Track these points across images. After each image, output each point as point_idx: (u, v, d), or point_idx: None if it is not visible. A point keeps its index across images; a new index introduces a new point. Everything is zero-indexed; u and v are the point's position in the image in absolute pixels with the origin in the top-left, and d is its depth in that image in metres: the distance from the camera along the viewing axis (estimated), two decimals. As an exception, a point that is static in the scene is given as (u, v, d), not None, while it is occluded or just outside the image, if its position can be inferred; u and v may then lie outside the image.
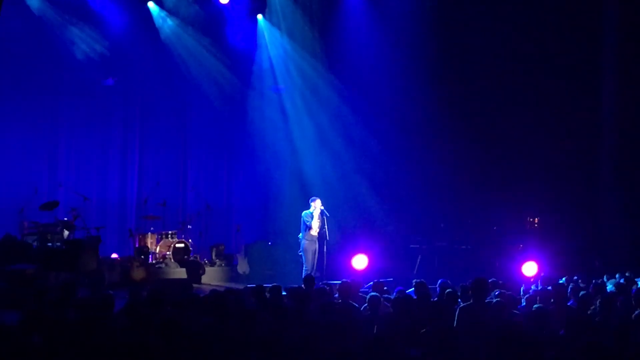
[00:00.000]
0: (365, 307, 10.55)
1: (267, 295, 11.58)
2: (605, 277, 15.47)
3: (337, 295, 12.07)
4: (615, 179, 21.82)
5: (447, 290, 10.95)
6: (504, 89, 21.96)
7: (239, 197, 23.98)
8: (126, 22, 22.08)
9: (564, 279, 14.63)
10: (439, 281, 12.39)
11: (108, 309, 9.71)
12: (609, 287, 13.42)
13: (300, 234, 17.85)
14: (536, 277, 15.54)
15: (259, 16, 23.38)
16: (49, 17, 21.14)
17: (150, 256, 19.58)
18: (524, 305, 11.39)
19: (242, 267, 20.97)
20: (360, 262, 17.97)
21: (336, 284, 14.74)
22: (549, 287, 12.15)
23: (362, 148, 22.64)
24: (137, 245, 19.80)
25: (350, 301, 11.15)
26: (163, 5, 22.46)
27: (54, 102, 21.79)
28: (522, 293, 13.11)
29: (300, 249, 17.82)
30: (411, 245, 21.17)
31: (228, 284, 17.27)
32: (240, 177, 23.93)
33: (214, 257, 20.85)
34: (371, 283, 13.66)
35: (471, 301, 10.10)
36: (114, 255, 19.63)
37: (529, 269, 16.19)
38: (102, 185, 22.42)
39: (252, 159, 23.31)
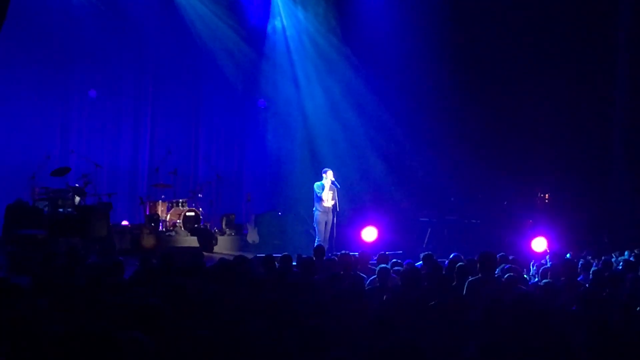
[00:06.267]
0: (374, 278, 10.57)
1: (277, 264, 11.63)
2: (613, 255, 15.44)
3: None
4: (626, 156, 21.75)
5: (459, 264, 10.94)
6: (516, 65, 21.81)
7: (250, 167, 24.06)
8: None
9: (569, 254, 14.60)
10: (452, 255, 12.41)
11: (118, 274, 9.76)
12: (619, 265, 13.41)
13: (314, 207, 17.80)
14: (546, 252, 15.54)
15: (274, -14, 23.33)
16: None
17: (160, 224, 19.64)
18: (535, 281, 11.40)
19: (252, 236, 21.01)
20: (369, 234, 18.04)
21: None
22: (558, 263, 12.14)
23: (374, 120, 22.58)
24: (147, 213, 19.86)
25: (359, 272, 11.21)
26: (178, -27, 22.41)
27: (67, 68, 21.82)
28: (533, 268, 13.12)
29: (315, 221, 17.78)
30: (421, 219, 21.18)
31: (238, 253, 17.32)
32: (252, 147, 23.97)
33: (224, 226, 20.94)
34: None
35: (479, 275, 10.13)
36: (125, 223, 19.74)
37: (539, 244, 16.20)
38: (113, 152, 22.51)
39: (264, 129, 23.30)
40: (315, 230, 17.80)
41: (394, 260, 12.43)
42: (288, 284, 9.71)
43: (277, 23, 23.43)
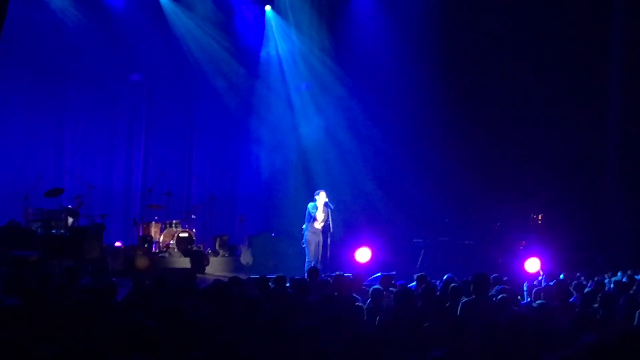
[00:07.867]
0: (368, 300, 10.57)
1: (271, 285, 11.61)
2: (606, 276, 15.43)
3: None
4: (620, 176, 21.79)
5: (452, 285, 10.94)
6: (509, 86, 21.93)
7: (244, 188, 24.02)
8: (135, 10, 22.08)
9: (562, 275, 14.59)
10: (446, 276, 12.41)
11: (111, 296, 9.72)
12: (610, 285, 13.39)
13: (304, 226, 17.79)
14: (539, 273, 15.53)
15: (267, 7, 23.37)
16: (57, 3, 21.14)
17: (153, 245, 19.62)
18: (528, 301, 11.39)
19: (246, 258, 20.97)
20: (363, 255, 18.00)
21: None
22: (552, 284, 12.14)
23: (368, 141, 22.61)
24: (140, 234, 19.84)
25: (353, 294, 11.19)
26: (172, -6, 22.51)
27: (61, 89, 21.91)
28: (525, 289, 13.11)
29: (304, 241, 17.77)
30: (414, 240, 21.15)
31: (231, 275, 17.28)
32: (245, 168, 23.95)
33: (217, 247, 20.89)
34: (375, 276, 13.67)
35: (473, 296, 10.12)
36: (118, 244, 19.70)
37: (532, 265, 16.18)
38: (107, 173, 22.52)
39: (257, 150, 23.29)
40: (305, 250, 17.78)
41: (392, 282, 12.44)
42: (282, 305, 9.69)
43: (272, 45, 23.51)
